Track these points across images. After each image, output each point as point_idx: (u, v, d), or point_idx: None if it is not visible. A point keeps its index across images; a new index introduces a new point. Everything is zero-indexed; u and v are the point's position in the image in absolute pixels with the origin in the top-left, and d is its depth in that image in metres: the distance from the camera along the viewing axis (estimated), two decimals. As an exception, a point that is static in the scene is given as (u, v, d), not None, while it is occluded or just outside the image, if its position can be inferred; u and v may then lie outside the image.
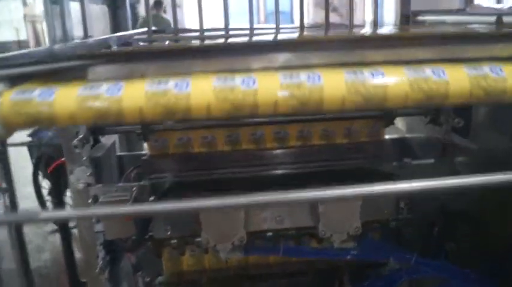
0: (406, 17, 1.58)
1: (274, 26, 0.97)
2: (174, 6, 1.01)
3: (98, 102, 0.41)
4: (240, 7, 1.12)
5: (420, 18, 1.60)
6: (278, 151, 0.91)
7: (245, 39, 0.70)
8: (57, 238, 1.84)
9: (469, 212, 0.88)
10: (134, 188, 0.83)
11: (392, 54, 0.49)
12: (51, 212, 0.54)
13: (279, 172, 0.91)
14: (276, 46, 0.49)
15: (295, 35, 0.77)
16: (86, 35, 0.94)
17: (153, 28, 1.35)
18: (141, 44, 1.00)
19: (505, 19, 1.10)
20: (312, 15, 5.84)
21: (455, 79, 0.45)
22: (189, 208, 0.52)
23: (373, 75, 0.44)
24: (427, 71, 0.45)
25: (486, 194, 0.73)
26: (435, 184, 0.49)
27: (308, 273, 0.98)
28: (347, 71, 0.44)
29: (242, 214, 0.79)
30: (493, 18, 1.16)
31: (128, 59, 0.47)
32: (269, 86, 0.43)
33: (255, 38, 0.75)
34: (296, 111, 0.44)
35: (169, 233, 0.85)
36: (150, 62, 0.47)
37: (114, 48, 0.95)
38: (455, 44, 0.51)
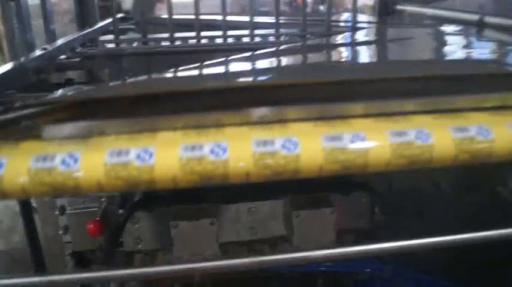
0: (384, 4, 1.55)
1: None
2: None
3: (51, 176, 0.37)
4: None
5: (399, 7, 1.57)
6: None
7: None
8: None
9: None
10: (103, 199, 0.80)
11: (372, 107, 0.46)
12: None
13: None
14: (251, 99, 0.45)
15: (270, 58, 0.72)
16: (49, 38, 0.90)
17: (120, 15, 1.30)
18: (107, 46, 0.95)
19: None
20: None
21: (440, 143, 0.42)
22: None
23: (352, 141, 0.41)
24: (411, 134, 0.42)
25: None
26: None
27: (283, 277, 0.97)
28: (325, 137, 0.41)
29: (215, 228, 0.77)
30: (476, 17, 1.13)
31: (86, 116, 0.43)
32: (240, 156, 0.39)
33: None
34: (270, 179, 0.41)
35: (140, 246, 0.82)
36: (109, 120, 0.43)
37: (79, 50, 0.91)
38: (442, 95, 0.48)
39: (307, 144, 0.41)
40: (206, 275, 0.91)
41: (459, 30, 1.07)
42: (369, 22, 1.34)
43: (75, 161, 0.38)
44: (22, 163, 0.38)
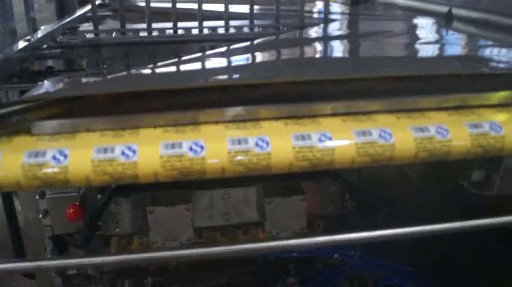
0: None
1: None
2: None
3: (43, 171, 0.41)
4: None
5: None
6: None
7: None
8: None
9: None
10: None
11: (340, 106, 0.50)
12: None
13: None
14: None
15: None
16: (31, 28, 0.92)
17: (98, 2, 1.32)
18: (87, 36, 0.98)
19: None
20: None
21: (401, 143, 0.46)
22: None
23: (320, 140, 0.45)
24: (375, 134, 0.46)
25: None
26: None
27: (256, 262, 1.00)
28: (295, 136, 0.45)
29: (190, 213, 0.80)
30: (445, 9, 1.18)
31: (72, 113, 0.46)
32: (216, 154, 0.43)
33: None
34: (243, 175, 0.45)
35: (117, 230, 0.85)
36: (94, 118, 0.47)
37: (60, 38, 0.93)
38: (406, 96, 0.52)
39: (278, 143, 0.45)
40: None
41: (428, 24, 1.12)
42: (341, 13, 1.37)
43: (65, 157, 0.42)
44: (16, 159, 0.41)
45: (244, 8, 1.18)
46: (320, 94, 0.52)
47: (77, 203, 0.79)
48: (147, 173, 0.43)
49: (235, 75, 0.62)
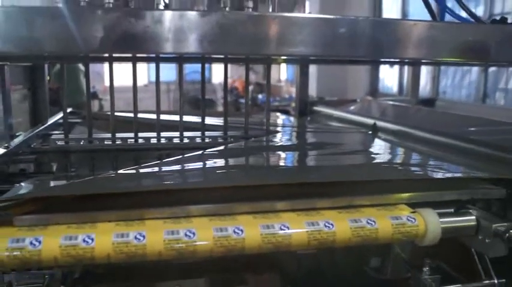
0: (304, 104, 1.82)
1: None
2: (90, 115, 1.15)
3: (22, 253, 0.55)
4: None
5: (316, 108, 1.85)
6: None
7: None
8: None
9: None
10: (46, 276, 0.93)
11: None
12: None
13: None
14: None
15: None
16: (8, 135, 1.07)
17: (69, 110, 1.48)
18: (58, 143, 1.13)
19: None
20: (230, 72, 5.95)
21: (297, 234, 0.63)
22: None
23: (235, 232, 0.61)
24: (276, 227, 0.62)
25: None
26: None
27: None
28: (216, 229, 0.61)
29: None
30: (371, 121, 1.38)
31: (46, 211, 0.61)
32: (155, 242, 0.58)
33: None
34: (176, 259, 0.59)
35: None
36: (62, 214, 0.61)
37: (34, 145, 1.07)
38: (305, 199, 0.70)
39: (202, 233, 0.60)
40: None
41: (358, 135, 1.32)
42: (283, 126, 1.57)
43: (39, 243, 0.56)
44: (1, 243, 0.55)
45: (199, 119, 1.33)
46: (239, 197, 0.69)
47: (41, 294, 0.88)
48: (102, 256, 0.57)
49: (178, 181, 0.78)
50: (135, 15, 0.67)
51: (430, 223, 0.70)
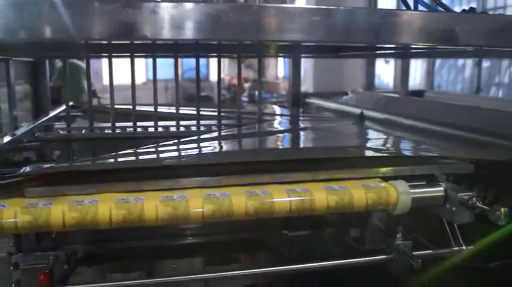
0: (296, 96, 1.89)
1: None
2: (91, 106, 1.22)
3: (34, 215, 0.64)
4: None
5: (308, 100, 1.94)
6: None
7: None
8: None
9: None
10: (51, 257, 0.90)
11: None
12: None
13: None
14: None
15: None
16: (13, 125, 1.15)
17: (71, 104, 1.55)
18: (61, 132, 1.21)
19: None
20: (227, 70, 6.12)
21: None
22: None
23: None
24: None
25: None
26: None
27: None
28: (206, 195, 0.68)
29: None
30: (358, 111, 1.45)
31: (55, 182, 0.69)
32: (151, 202, 0.67)
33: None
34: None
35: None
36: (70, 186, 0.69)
37: (38, 134, 1.14)
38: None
39: (192, 194, 0.70)
40: None
41: (344, 123, 1.39)
42: (273, 114, 1.66)
43: (50, 204, 0.65)
44: (16, 207, 0.64)
45: (194, 111, 1.40)
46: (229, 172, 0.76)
47: (47, 271, 0.88)
48: (105, 214, 0.66)
49: (169, 160, 0.86)
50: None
51: (401, 193, 0.77)
